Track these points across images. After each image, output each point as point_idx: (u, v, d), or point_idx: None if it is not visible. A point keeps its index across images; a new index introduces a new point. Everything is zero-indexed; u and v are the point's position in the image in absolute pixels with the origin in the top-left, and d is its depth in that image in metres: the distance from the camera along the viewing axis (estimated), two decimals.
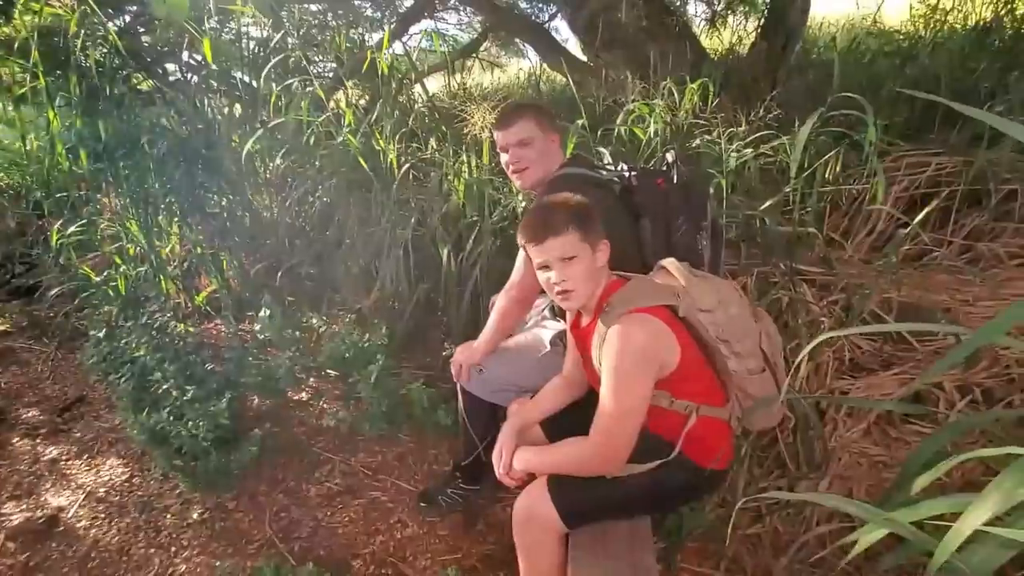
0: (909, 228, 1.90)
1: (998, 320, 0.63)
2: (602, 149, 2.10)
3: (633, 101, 2.46)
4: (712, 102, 2.49)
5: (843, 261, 2.46)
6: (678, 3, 5.66)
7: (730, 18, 5.85)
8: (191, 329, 2.57)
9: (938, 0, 3.57)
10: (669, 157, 1.58)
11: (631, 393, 1.10)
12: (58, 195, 3.21)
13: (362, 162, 2.36)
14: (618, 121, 2.39)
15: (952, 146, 2.71)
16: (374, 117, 2.58)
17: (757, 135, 2.27)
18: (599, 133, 2.41)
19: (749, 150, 2.19)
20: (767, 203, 2.09)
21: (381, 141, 2.44)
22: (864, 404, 1.71)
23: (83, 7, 2.65)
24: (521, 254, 1.52)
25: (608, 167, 1.59)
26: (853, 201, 2.60)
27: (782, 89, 3.21)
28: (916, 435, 1.73)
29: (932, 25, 3.84)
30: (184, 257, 3.03)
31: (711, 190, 2.01)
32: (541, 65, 5.78)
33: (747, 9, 5.81)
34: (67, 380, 2.74)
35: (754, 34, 4.01)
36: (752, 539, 1.60)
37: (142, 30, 4.00)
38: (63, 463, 2.25)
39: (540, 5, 6.14)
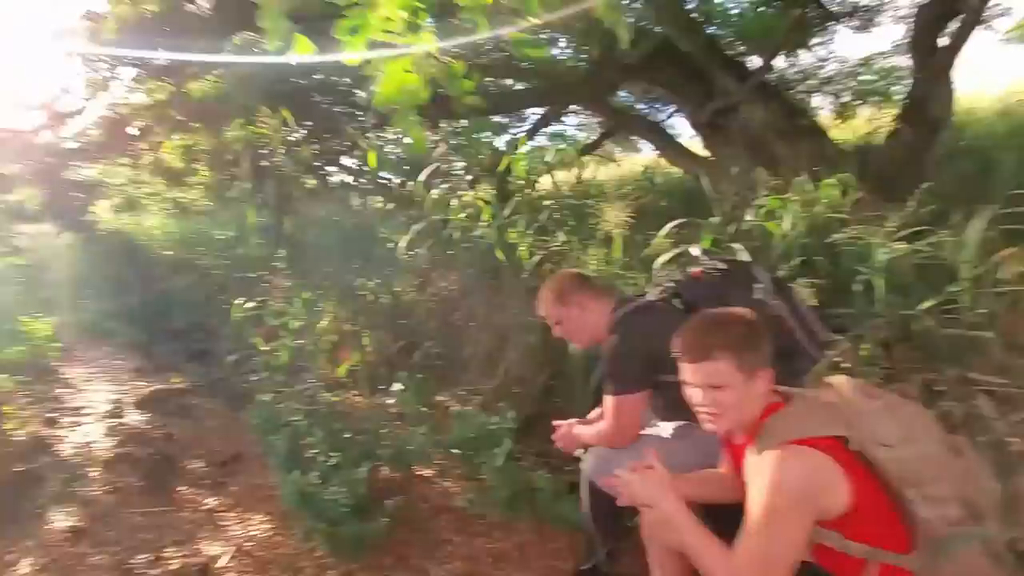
0: None
1: None
2: (736, 245, 2.09)
3: (764, 196, 2.45)
4: (851, 196, 2.41)
5: None
6: (805, 97, 5.65)
7: (861, 109, 5.69)
8: (336, 399, 2.83)
9: None
10: (696, 251, 1.59)
11: (778, 538, 0.97)
12: (238, 275, 3.82)
13: (499, 254, 2.56)
14: (750, 216, 2.38)
15: None
16: (507, 212, 2.82)
17: (911, 230, 2.14)
18: (729, 229, 2.41)
19: (902, 245, 2.05)
20: (927, 304, 1.92)
21: (514, 234, 2.64)
22: None
23: (281, 125, 3.28)
24: (609, 401, 1.53)
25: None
26: None
27: (933, 180, 3.01)
28: None
29: None
30: (334, 332, 3.40)
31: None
32: (658, 159, 5.98)
33: (880, 100, 5.63)
34: (231, 437, 3.10)
35: (892, 124, 3.85)
36: None
37: (315, 140, 4.83)
38: (219, 514, 2.50)
39: (657, 105, 6.44)
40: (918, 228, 2.20)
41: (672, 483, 1.15)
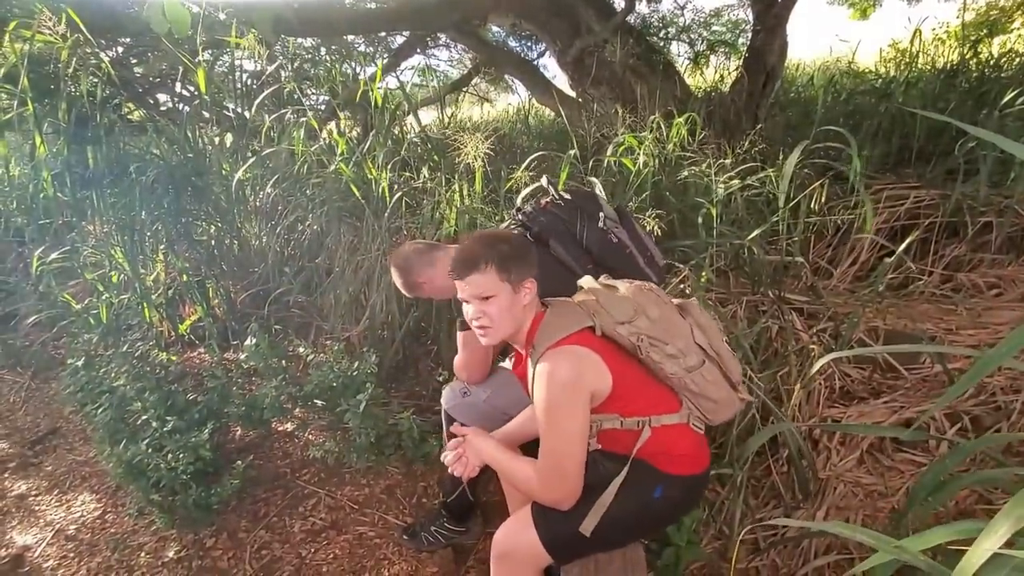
0: (894, 256, 1.94)
1: (1006, 344, 0.63)
2: (594, 179, 2.13)
3: (622, 134, 2.52)
4: (699, 136, 2.56)
5: (829, 290, 2.50)
6: (663, 44, 5.89)
7: (712, 58, 6.09)
8: (174, 358, 2.50)
9: (911, 44, 3.75)
10: (544, 182, 1.64)
11: (564, 432, 1.08)
12: (40, 222, 3.16)
13: (354, 190, 2.36)
14: (608, 153, 2.44)
15: (928, 180, 2.81)
16: (367, 147, 2.60)
17: (743, 167, 2.33)
18: (590, 164, 2.45)
19: (736, 181, 2.24)
20: (754, 233, 2.13)
21: (373, 170, 2.45)
22: (860, 430, 1.71)
23: (76, 36, 2.65)
24: (460, 337, 1.55)
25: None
26: (837, 231, 2.66)
27: (764, 124, 3.32)
28: (909, 463, 1.73)
29: (902, 68, 4.03)
30: (169, 285, 2.97)
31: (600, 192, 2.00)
32: (530, 100, 5.93)
33: (728, 50, 6.05)
34: (40, 411, 2.64)
35: (735, 73, 4.16)
36: (750, 572, 1.56)
37: (135, 61, 4.03)
38: (32, 499, 2.15)
39: (529, 43, 6.32)
40: (750, 166, 2.41)
41: (486, 439, 1.25)
